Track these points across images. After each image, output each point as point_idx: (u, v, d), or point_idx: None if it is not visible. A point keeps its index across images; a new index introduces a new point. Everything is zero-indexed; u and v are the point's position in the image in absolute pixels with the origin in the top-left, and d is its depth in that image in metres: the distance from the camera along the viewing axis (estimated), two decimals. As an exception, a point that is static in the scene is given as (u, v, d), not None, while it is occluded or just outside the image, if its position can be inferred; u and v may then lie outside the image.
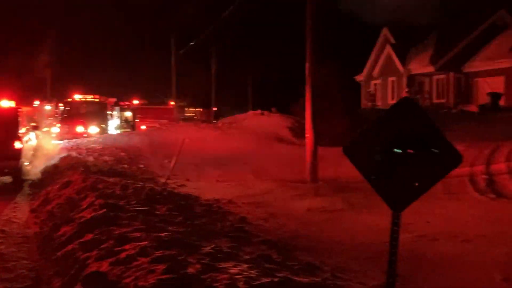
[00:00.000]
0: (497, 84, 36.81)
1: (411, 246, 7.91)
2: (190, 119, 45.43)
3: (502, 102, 35.29)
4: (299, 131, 24.44)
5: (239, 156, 20.84)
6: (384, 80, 44.54)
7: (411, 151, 3.87)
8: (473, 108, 35.76)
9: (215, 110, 49.89)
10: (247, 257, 6.58)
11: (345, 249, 8.34)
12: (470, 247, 7.85)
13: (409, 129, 3.89)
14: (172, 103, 44.61)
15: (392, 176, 3.93)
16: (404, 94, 38.12)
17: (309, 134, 16.35)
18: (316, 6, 16.15)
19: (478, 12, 41.75)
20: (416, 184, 3.92)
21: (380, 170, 3.95)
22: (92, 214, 8.26)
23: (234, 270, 5.65)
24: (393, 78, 43.61)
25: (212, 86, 50.96)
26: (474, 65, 39.14)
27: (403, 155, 3.89)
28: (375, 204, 8.53)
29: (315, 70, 16.70)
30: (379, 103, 43.03)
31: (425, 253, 7.66)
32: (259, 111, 33.26)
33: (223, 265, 5.85)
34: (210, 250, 6.52)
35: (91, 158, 19.48)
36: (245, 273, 5.59)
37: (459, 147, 14.83)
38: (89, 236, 7.29)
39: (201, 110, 51.31)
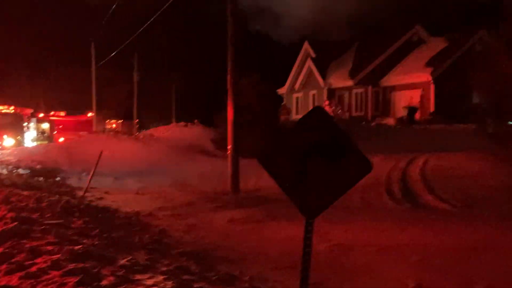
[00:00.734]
0: (413, 97, 38.06)
1: (328, 255, 8.02)
2: (111, 131, 44.66)
3: (417, 115, 36.53)
4: (221, 143, 24.42)
5: (160, 168, 20.63)
6: (305, 93, 45.27)
7: (323, 159, 3.92)
8: (390, 121, 36.83)
9: (138, 122, 49.26)
10: (164, 269, 6.49)
11: (265, 259, 8.35)
12: (385, 255, 8.02)
13: (320, 138, 3.94)
14: (91, 114, 43.76)
15: (305, 184, 3.96)
16: (325, 107, 38.87)
17: (231, 146, 16.38)
18: (237, 18, 16.25)
19: (395, 27, 43.18)
20: (329, 191, 3.97)
21: (293, 178, 3.98)
22: (3, 227, 7.93)
23: (149, 282, 5.55)
24: (314, 92, 44.40)
25: (135, 98, 50.30)
26: (392, 79, 40.38)
27: (315, 163, 3.94)
28: (295, 214, 8.56)
29: (237, 83, 16.77)
30: (299, 116, 43.63)
31: (341, 262, 7.77)
32: (182, 123, 33.10)
33: (139, 277, 5.74)
34: (126, 263, 6.39)
35: (4, 171, 18.83)
36: (161, 284, 5.51)
37: (377, 159, 15.35)
38: (-1, 250, 6.99)
39: (123, 121, 50.57)
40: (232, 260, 8.20)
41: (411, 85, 38.52)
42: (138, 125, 47.67)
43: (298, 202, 3.99)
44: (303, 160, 3.93)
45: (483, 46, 32.86)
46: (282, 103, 43.81)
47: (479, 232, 9.16)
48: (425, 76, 37.46)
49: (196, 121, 33.30)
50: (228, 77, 16.45)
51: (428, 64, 38.19)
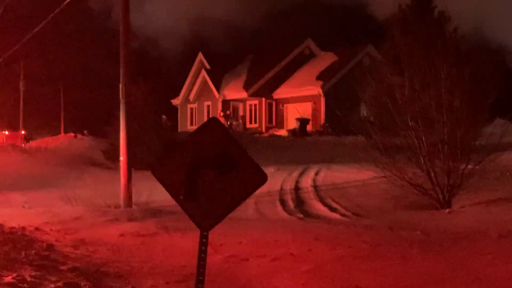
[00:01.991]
0: (305, 110, 39.00)
1: (222, 267, 7.99)
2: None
3: (309, 127, 37.44)
4: (113, 154, 23.91)
5: (48, 180, 19.86)
6: (200, 104, 45.24)
7: (217, 171, 3.89)
8: (283, 132, 37.53)
9: (24, 133, 47.24)
10: (52, 286, 6.22)
11: (157, 273, 8.19)
12: (278, 265, 8.09)
13: (215, 149, 3.92)
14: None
15: (199, 196, 3.92)
16: (220, 118, 39.02)
17: (123, 157, 16.01)
18: (129, 27, 15.97)
19: (288, 41, 44.14)
20: (223, 203, 3.95)
21: (187, 190, 3.92)
22: None
23: (36, 301, 5.28)
24: (209, 103, 44.48)
25: (21, 108, 48.24)
26: (284, 92, 41.20)
27: (209, 175, 3.90)
28: (189, 227, 8.49)
29: (130, 92, 16.45)
30: (194, 127, 43.58)
31: (235, 273, 7.77)
32: (71, 134, 32.13)
33: (24, 295, 5.46)
34: (12, 280, 6.07)
35: None
36: (49, 303, 5.25)
37: (271, 170, 15.53)
38: None
39: (7, 132, 48.31)
40: (123, 275, 7.99)
41: (303, 97, 39.46)
42: (24, 136, 45.74)
43: (192, 215, 3.94)
44: (197, 172, 3.88)
45: (371, 60, 34.26)
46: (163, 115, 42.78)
47: (368, 240, 9.44)
48: (316, 89, 38.50)
49: (85, 131, 32.45)
50: (121, 86, 16.08)
51: (319, 77, 39.32)
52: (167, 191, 3.99)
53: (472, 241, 9.08)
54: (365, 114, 27.12)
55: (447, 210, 12.99)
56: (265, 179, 3.99)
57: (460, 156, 13.86)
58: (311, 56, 42.76)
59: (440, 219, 11.96)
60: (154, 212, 13.83)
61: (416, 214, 12.70)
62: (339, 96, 35.62)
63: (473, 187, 13.86)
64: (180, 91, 46.69)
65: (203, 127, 4.04)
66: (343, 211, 13.46)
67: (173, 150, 4.05)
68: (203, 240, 3.92)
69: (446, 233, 9.89)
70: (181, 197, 3.96)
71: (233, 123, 40.77)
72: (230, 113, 41.34)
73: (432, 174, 13.72)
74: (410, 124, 14.25)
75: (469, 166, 13.85)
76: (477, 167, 13.87)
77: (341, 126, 31.47)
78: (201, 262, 3.90)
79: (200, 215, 3.93)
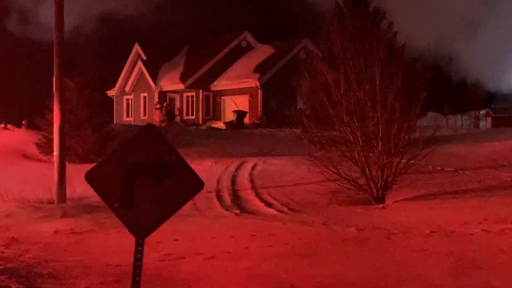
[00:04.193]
0: (243, 102, 39.08)
1: (159, 266, 7.93)
2: None
3: (246, 119, 37.55)
4: (47, 148, 23.32)
5: (-23, 175, 19.18)
6: (136, 96, 44.67)
7: (153, 178, 3.86)
8: (220, 124, 37.50)
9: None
10: (-19, 290, 6.02)
11: (92, 272, 8.06)
12: (215, 263, 8.09)
13: (151, 156, 3.88)
14: None
15: (134, 204, 3.87)
16: (155, 110, 38.67)
17: (57, 151, 15.63)
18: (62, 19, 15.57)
19: (226, 33, 44.06)
20: (159, 210, 3.92)
21: (123, 197, 3.87)
22: None
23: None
24: (146, 94, 43.96)
25: None
26: (222, 84, 41.15)
27: (145, 181, 3.86)
28: (124, 224, 8.42)
29: (64, 84, 16.07)
30: (130, 118, 43.02)
31: (171, 272, 7.72)
32: (1, 125, 31.16)
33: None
34: None
35: None
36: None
37: (208, 163, 15.45)
38: None
39: None
40: (57, 275, 7.82)
41: (241, 90, 39.54)
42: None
43: (127, 223, 3.89)
44: (133, 180, 3.83)
45: (307, 54, 34.57)
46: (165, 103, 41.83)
47: (304, 237, 9.56)
48: (253, 82, 38.63)
49: (24, 122, 31.66)
50: (54, 78, 15.67)
51: (256, 70, 39.45)
52: (102, 198, 3.93)
53: (405, 237, 9.31)
54: (301, 107, 27.42)
55: (381, 206, 13.28)
56: (202, 186, 3.98)
57: (394, 151, 14.17)
58: (249, 48, 42.83)
59: (374, 214, 12.21)
60: (89, 208, 13.59)
61: (350, 210, 12.93)
62: (276, 89, 35.85)
63: (407, 182, 14.21)
64: (116, 83, 45.98)
65: (140, 134, 3.98)
66: (279, 206, 13.57)
67: (109, 157, 3.99)
68: (139, 248, 3.88)
69: (380, 229, 10.11)
70: (116, 204, 3.90)
71: (175, 114, 40.49)
72: (168, 104, 40.98)
73: (367, 169, 13.99)
74: (345, 119, 14.47)
75: (403, 161, 14.18)
76: (411, 161, 14.22)
77: (278, 119, 31.74)
78: (137, 271, 3.86)
79: (136, 223, 3.88)
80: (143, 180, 3.85)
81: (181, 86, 41.16)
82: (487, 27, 42.29)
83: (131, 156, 3.87)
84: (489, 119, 41.66)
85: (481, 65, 41.85)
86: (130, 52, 45.33)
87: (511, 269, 7.06)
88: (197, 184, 3.98)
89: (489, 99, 46.14)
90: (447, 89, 40.52)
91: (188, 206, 13.38)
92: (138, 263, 3.87)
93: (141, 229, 3.90)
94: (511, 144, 19.89)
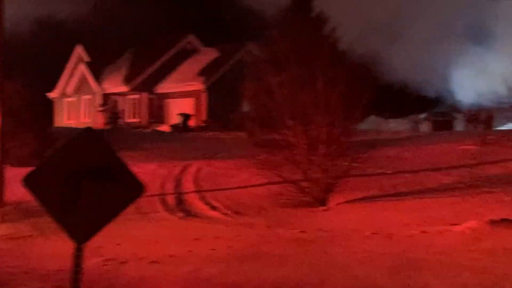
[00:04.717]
0: (188, 105, 38.89)
1: (100, 271, 7.83)
2: None
3: (191, 122, 37.38)
4: (-16, 151, 22.63)
5: None
6: (78, 98, 43.86)
7: (93, 183, 3.81)
8: (165, 128, 37.20)
9: None
10: None
11: (32, 278, 7.90)
12: (158, 267, 8.03)
13: (91, 160, 3.83)
14: None
15: (74, 209, 3.81)
16: (98, 113, 38.03)
17: (-5, 155, 15.23)
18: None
19: (170, 35, 43.70)
20: (100, 215, 3.87)
21: (62, 203, 3.81)
22: None
23: None
24: (88, 96, 43.22)
25: None
26: (166, 87, 40.85)
27: (85, 186, 3.81)
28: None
29: (3, 86, 15.68)
30: (70, 121, 42.23)
31: (113, 277, 7.64)
32: None
33: None
34: None
35: None
36: None
37: (152, 166, 15.25)
38: None
39: None
40: (-5, 282, 7.63)
41: (186, 93, 39.33)
42: None
43: (66, 228, 3.83)
44: (73, 184, 3.77)
45: (252, 57, 34.67)
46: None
47: (247, 240, 9.60)
48: (198, 85, 38.51)
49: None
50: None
51: (201, 73, 39.35)
52: (40, 204, 3.86)
53: (347, 239, 9.45)
54: (246, 110, 27.49)
55: (324, 208, 13.44)
56: (143, 190, 3.96)
57: (336, 154, 14.37)
58: (194, 51, 42.62)
59: (317, 217, 12.35)
60: (28, 213, 13.27)
61: (294, 212, 13.03)
62: (221, 92, 35.81)
63: (349, 184, 14.41)
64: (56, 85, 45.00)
65: (78, 137, 3.93)
66: (223, 209, 13.57)
67: (46, 160, 3.92)
68: (78, 253, 3.82)
69: (323, 231, 10.24)
70: (56, 210, 3.83)
71: (119, 117, 39.94)
72: (111, 107, 40.39)
73: (309, 172, 14.13)
74: (288, 123, 14.59)
75: (345, 164, 14.39)
76: (353, 164, 14.45)
77: (223, 122, 31.72)
78: (77, 276, 3.81)
79: (75, 228, 3.83)
80: (83, 184, 3.79)
81: (125, 89, 40.64)
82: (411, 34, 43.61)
83: (70, 160, 3.81)
84: (429, 123, 42.67)
85: (409, 70, 43.14)
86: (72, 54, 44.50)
87: (449, 269, 7.25)
88: (138, 188, 3.95)
89: (429, 103, 47.30)
90: (388, 94, 41.34)
91: (131, 210, 13.21)
92: (78, 269, 3.82)
93: (81, 234, 3.84)
94: (449, 147, 20.42)
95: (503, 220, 9.65)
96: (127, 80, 41.01)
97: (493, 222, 9.53)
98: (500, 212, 10.83)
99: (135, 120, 41.28)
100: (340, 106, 14.37)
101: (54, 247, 9.65)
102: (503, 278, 6.73)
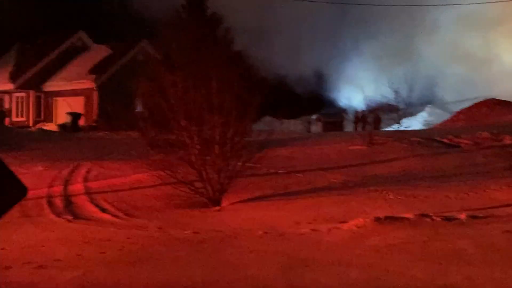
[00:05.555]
0: (77, 104, 37.81)
1: (-18, 278, 7.42)
2: None
3: (82, 122, 36.37)
4: None
5: None
6: (-42, 96, 41.61)
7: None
8: (53, 127, 35.98)
9: None
10: None
11: None
12: (44, 272, 7.72)
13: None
14: None
15: None
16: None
17: None
18: None
19: (60, 31, 42.32)
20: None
21: None
22: None
23: None
24: (-30, 94, 41.12)
25: None
26: (55, 85, 39.54)
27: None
28: None
29: None
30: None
31: (-3, 284, 7.25)
32: None
33: None
34: None
35: None
36: None
37: (39, 168, 14.67)
38: None
39: None
40: None
41: (76, 91, 38.27)
42: None
43: None
44: None
45: (145, 56, 34.24)
46: None
47: (139, 242, 9.43)
48: (88, 83, 37.58)
49: None
50: None
51: (92, 71, 38.39)
52: None
53: (239, 239, 9.49)
54: (140, 110, 27.06)
55: (217, 208, 13.45)
56: (25, 193, 3.75)
57: (230, 154, 14.42)
58: (84, 48, 41.48)
59: (210, 217, 12.33)
60: None
61: (187, 213, 12.95)
62: (113, 91, 35.08)
63: (243, 184, 14.51)
64: None
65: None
66: (115, 211, 13.26)
67: None
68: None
69: (216, 231, 10.23)
70: None
71: (5, 115, 38.17)
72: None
73: (203, 173, 14.10)
74: (182, 123, 14.49)
75: (239, 164, 14.47)
76: (247, 164, 14.56)
77: (116, 122, 31.07)
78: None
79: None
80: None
81: (10, 86, 38.93)
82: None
83: None
84: (320, 124, 43.90)
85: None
86: None
87: (338, 266, 7.43)
88: (19, 191, 3.74)
89: (321, 105, 48.63)
90: (282, 95, 42.12)
91: (15, 213, 12.65)
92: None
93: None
94: (338, 147, 21.05)
95: (387, 218, 10.02)
96: (13, 77, 39.32)
97: (378, 220, 9.88)
98: (385, 210, 11.27)
99: (21, 119, 39.67)
100: (234, 106, 14.44)
101: None
102: (387, 273, 6.99)
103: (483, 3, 40.82)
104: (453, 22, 48.39)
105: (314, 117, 45.20)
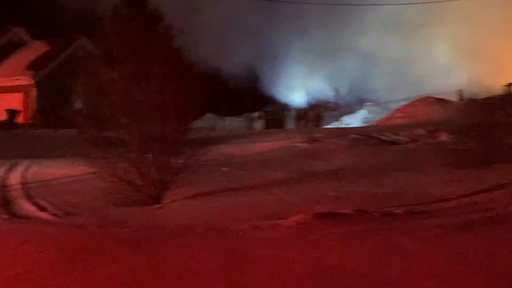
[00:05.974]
0: (15, 100, 36.92)
1: None
2: None
3: (20, 119, 35.53)
4: None
5: None
6: None
7: None
8: (-11, 124, 35.01)
9: None
10: None
11: None
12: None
13: None
14: None
15: None
16: None
17: None
18: None
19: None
20: None
21: None
22: None
23: None
24: None
25: None
26: (-9, 81, 38.47)
27: None
28: None
29: None
30: None
31: None
32: None
33: None
34: None
35: None
36: None
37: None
38: None
39: None
40: None
41: (13, 87, 37.39)
42: None
43: None
44: None
45: (85, 52, 33.66)
46: None
47: (78, 240, 9.29)
48: (26, 79, 36.75)
49: None
50: None
51: (30, 67, 37.58)
52: None
53: (181, 237, 9.45)
54: (79, 107, 26.57)
55: (159, 206, 13.37)
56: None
57: (171, 151, 14.36)
58: (21, 44, 40.48)
59: (151, 215, 12.24)
60: None
61: (127, 211, 12.82)
62: (53, 87, 34.38)
63: (184, 181, 14.46)
64: None
65: None
66: (53, 210, 13.02)
67: None
68: None
69: (156, 230, 10.16)
70: None
71: None
72: None
73: (144, 170, 13.99)
74: (122, 120, 14.34)
75: (180, 161, 14.42)
76: (188, 161, 14.51)
77: (55, 119, 30.46)
78: None
79: None
80: None
81: None
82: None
83: None
84: (262, 121, 44.13)
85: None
86: None
87: (279, 262, 7.51)
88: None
89: (263, 102, 48.86)
90: (223, 92, 42.14)
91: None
92: None
93: None
94: (279, 144, 21.26)
95: (328, 214, 10.18)
96: None
97: (319, 216, 10.03)
98: (325, 206, 11.44)
99: None
100: (175, 103, 14.37)
101: None
102: (328, 267, 7.11)
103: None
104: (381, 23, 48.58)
105: (256, 114, 45.43)
